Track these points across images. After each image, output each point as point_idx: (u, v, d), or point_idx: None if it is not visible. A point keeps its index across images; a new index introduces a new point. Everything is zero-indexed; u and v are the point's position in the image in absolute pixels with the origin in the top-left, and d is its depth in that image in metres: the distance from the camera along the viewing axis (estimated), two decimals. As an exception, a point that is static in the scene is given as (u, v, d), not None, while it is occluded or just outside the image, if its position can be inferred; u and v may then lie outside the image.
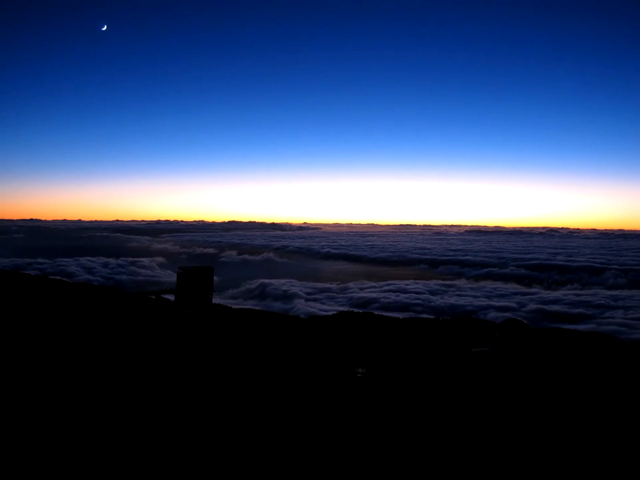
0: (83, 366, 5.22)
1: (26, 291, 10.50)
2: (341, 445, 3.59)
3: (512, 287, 45.05)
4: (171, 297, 10.62)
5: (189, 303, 9.40)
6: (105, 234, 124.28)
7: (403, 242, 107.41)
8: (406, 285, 42.71)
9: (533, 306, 33.55)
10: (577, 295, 38.56)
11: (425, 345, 8.30)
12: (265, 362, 5.98)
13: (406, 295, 37.78)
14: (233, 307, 11.28)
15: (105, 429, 3.63)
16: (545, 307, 33.41)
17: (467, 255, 74.76)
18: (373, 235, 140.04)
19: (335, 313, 11.47)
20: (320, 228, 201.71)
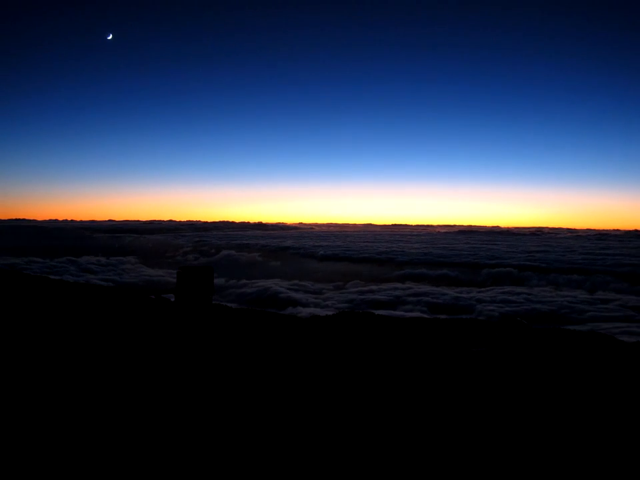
0: (82, 366, 5.17)
1: (24, 291, 10.41)
2: (342, 445, 3.58)
3: (410, 284, 46.61)
4: (171, 297, 10.56)
5: (189, 303, 9.36)
6: (95, 234, 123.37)
7: (360, 242, 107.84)
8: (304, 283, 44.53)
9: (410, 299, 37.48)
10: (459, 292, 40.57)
11: (424, 344, 8.32)
12: (266, 362, 5.96)
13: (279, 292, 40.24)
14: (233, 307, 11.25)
15: (105, 430, 3.60)
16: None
17: (402, 255, 78.00)
18: (337, 235, 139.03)
19: (336, 312, 11.46)
20: (312, 228, 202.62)
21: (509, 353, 7.99)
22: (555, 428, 4.14)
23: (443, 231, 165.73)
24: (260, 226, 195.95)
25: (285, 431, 3.77)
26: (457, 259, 70.55)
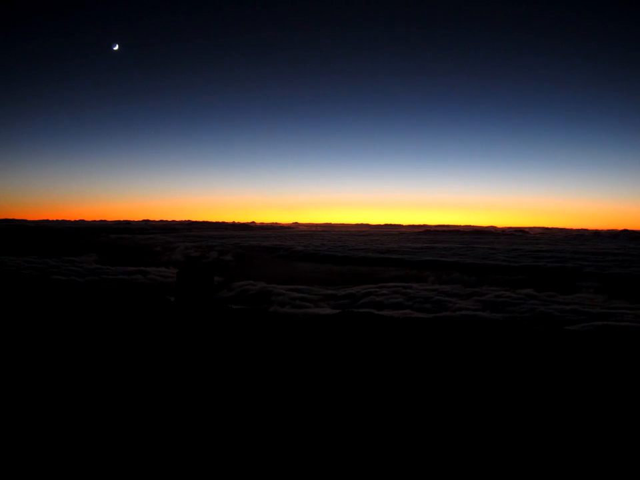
0: (84, 366, 5.08)
1: (24, 291, 10.25)
2: (342, 444, 3.53)
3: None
4: (171, 297, 10.42)
5: (189, 303, 9.24)
6: (89, 234, 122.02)
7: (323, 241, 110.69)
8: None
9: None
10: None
11: (424, 343, 8.28)
12: (267, 361, 5.89)
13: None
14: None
15: (106, 429, 3.53)
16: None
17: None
18: (303, 235, 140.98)
19: (336, 312, 11.39)
20: (300, 228, 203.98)
21: (509, 352, 8.00)
22: (556, 427, 4.11)
23: (439, 230, 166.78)
24: (246, 226, 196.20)
25: (285, 430, 3.71)
26: (391, 255, 76.16)
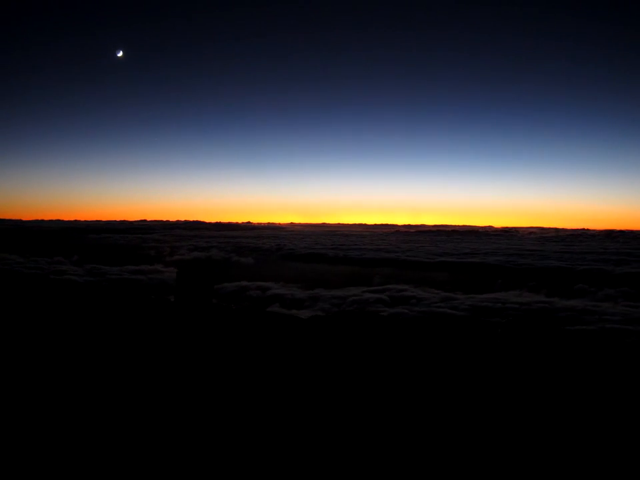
0: (82, 368, 5.06)
1: (23, 290, 10.20)
2: (342, 446, 3.53)
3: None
4: (171, 297, 10.38)
5: (189, 302, 9.21)
6: (84, 234, 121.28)
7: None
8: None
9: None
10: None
11: (425, 343, 8.30)
12: (267, 362, 5.89)
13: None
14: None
15: (105, 429, 3.53)
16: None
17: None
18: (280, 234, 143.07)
19: (336, 312, 11.40)
20: (285, 228, 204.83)
21: (509, 352, 8.03)
22: (557, 428, 4.12)
23: (432, 230, 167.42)
24: (234, 226, 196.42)
25: (284, 430, 3.71)
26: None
